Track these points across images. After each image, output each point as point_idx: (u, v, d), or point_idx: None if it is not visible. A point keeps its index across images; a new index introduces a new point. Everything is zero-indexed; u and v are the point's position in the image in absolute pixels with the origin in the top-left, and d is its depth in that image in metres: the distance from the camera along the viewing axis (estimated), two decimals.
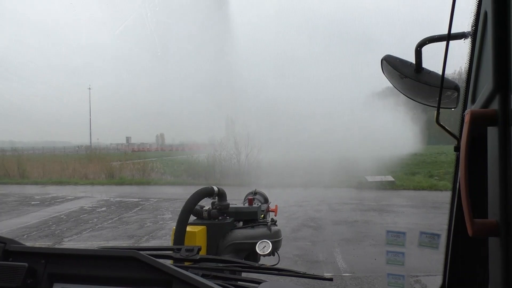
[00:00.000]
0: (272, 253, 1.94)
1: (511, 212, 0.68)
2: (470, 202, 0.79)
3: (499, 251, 0.73)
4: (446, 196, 1.35)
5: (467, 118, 0.80)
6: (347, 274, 6.36)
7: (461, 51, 1.12)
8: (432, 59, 1.27)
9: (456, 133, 1.20)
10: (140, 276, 0.93)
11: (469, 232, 0.78)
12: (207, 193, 1.97)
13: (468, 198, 0.79)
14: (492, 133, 0.78)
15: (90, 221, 10.89)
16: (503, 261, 0.72)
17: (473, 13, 0.98)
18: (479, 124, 0.79)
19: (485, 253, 0.86)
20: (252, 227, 2.15)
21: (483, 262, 1.04)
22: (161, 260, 0.95)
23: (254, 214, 2.23)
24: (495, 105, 0.76)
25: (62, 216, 11.72)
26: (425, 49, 1.26)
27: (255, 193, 2.62)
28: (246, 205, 2.32)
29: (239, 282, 1.27)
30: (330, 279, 1.44)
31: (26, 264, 0.94)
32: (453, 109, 1.30)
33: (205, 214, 2.09)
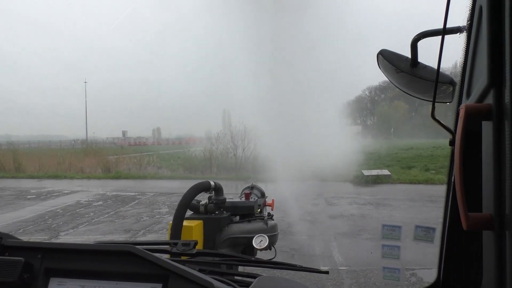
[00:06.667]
0: (268, 247, 1.95)
1: (505, 206, 0.68)
2: (464, 196, 0.79)
3: (493, 244, 0.74)
4: (442, 190, 1.36)
5: (461, 113, 0.80)
6: (344, 268, 6.40)
7: (457, 45, 1.13)
8: (428, 53, 1.27)
9: (452, 127, 1.21)
10: (137, 271, 0.93)
11: (464, 225, 0.78)
12: (204, 187, 1.97)
13: (463, 192, 0.80)
14: (487, 127, 0.79)
15: (87, 215, 10.88)
16: (496, 254, 0.73)
17: (468, 7, 0.98)
18: (474, 118, 0.79)
19: (480, 246, 0.87)
20: (249, 221, 2.15)
21: (477, 255, 1.05)
22: (157, 255, 0.95)
23: (251, 209, 2.23)
24: (489, 100, 0.76)
25: (58, 210, 11.70)
26: (421, 44, 1.26)
27: (251, 187, 2.62)
28: (243, 199, 2.33)
29: (235, 276, 1.28)
30: (326, 272, 1.45)
31: (22, 259, 0.94)
32: (448, 104, 1.31)
33: (201, 209, 2.09)
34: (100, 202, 13.18)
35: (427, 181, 16.67)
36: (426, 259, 5.85)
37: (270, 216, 2.25)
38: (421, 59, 1.29)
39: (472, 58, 0.97)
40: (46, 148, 45.78)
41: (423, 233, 1.37)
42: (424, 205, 11.73)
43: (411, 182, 16.81)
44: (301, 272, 1.30)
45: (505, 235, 0.69)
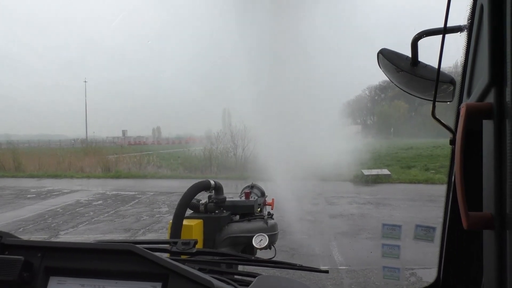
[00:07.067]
0: (268, 246, 1.95)
1: (505, 205, 0.68)
2: (465, 195, 0.79)
3: (493, 244, 0.74)
4: (442, 189, 1.36)
5: (462, 112, 0.80)
6: (343, 267, 6.40)
7: (458, 44, 1.12)
8: (429, 52, 1.27)
9: (452, 126, 1.20)
10: (136, 270, 0.93)
11: (464, 225, 0.78)
12: (204, 186, 1.97)
13: (463, 191, 0.80)
14: (488, 126, 0.78)
15: (86, 214, 10.88)
16: (497, 253, 0.72)
17: (469, 6, 0.98)
18: (474, 117, 0.79)
19: (480, 246, 0.87)
20: (249, 220, 2.15)
21: (478, 255, 1.05)
22: (157, 254, 0.95)
23: (251, 208, 2.23)
24: (490, 99, 0.76)
25: (58, 210, 11.71)
26: (421, 42, 1.26)
27: (251, 186, 2.63)
28: (243, 198, 2.33)
29: (235, 276, 1.28)
30: (326, 272, 1.45)
31: (22, 258, 0.94)
32: (449, 103, 1.31)
33: (201, 208, 2.10)
34: (100, 201, 13.18)
35: (427, 181, 16.68)
36: (426, 259, 5.85)
37: (270, 216, 2.25)
38: (422, 58, 1.28)
39: (473, 57, 0.96)
40: (45, 147, 45.77)
41: (423, 232, 1.38)
42: (424, 204, 11.74)
43: (411, 181, 16.82)
44: (301, 272, 1.31)
45: (506, 234, 0.68)
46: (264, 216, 2.19)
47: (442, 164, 20.58)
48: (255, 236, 1.94)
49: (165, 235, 8.33)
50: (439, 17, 1.00)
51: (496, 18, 0.74)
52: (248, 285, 1.04)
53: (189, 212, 2.09)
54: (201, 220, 2.03)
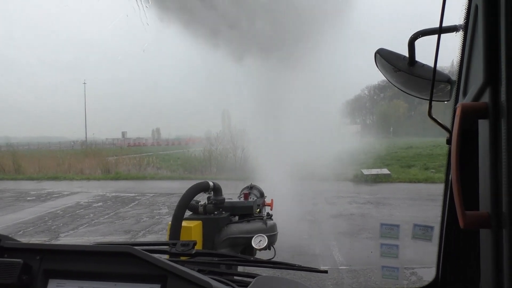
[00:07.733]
0: (268, 247, 1.95)
1: (502, 204, 0.69)
2: (461, 195, 0.79)
3: (490, 242, 0.74)
4: (442, 188, 1.37)
5: (458, 111, 0.81)
6: (344, 267, 6.40)
7: (455, 43, 1.13)
8: (426, 52, 1.27)
9: (449, 126, 1.21)
10: (136, 272, 0.93)
11: (461, 224, 0.79)
12: (203, 188, 1.97)
13: (460, 190, 0.80)
14: (483, 126, 0.79)
15: (87, 216, 10.88)
16: (493, 252, 0.73)
17: (464, 6, 0.98)
18: (470, 117, 0.79)
19: (477, 244, 0.87)
20: (248, 221, 2.15)
21: (475, 253, 1.05)
22: (156, 255, 0.95)
23: (250, 209, 2.23)
24: (486, 98, 0.76)
25: (58, 212, 11.70)
26: (418, 42, 1.26)
27: (251, 187, 2.63)
28: (242, 199, 2.33)
29: (235, 276, 1.28)
30: (325, 272, 1.45)
31: (21, 261, 0.94)
32: (446, 102, 1.31)
33: (200, 209, 2.10)
34: (100, 203, 13.17)
35: (426, 180, 16.68)
36: (426, 258, 5.85)
37: (269, 216, 2.25)
38: (419, 57, 1.29)
39: (468, 56, 0.97)
40: (45, 150, 45.71)
41: (421, 231, 1.38)
42: (424, 204, 11.73)
43: (411, 181, 16.82)
44: (301, 272, 1.31)
45: (502, 233, 0.69)
46: (263, 216, 2.19)
47: (442, 163, 20.57)
48: (254, 237, 1.93)
49: (165, 237, 8.33)
50: (436, 17, 1.01)
51: (490, 18, 0.75)
52: (247, 286, 1.04)
53: (188, 213, 2.09)
54: (200, 222, 2.03)
